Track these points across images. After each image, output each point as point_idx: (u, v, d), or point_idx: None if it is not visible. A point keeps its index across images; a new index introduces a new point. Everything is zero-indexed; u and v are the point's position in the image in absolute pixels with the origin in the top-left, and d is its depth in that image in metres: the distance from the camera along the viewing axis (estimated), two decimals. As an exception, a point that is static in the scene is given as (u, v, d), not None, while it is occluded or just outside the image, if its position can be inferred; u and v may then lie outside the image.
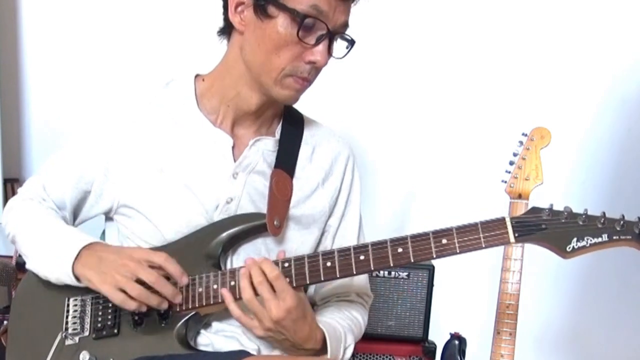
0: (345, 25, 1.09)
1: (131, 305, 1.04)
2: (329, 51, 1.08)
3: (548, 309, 2.26)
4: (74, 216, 1.24)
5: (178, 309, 1.09)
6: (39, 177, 1.23)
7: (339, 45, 1.12)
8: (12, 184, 2.23)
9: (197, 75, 1.22)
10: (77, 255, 1.08)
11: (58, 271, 1.11)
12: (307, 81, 1.10)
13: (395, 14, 2.15)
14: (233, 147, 1.17)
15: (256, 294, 1.04)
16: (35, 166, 2.28)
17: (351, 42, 1.12)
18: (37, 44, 2.21)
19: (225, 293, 1.07)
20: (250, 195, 1.17)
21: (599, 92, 2.14)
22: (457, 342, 1.87)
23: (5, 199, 2.18)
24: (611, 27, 2.10)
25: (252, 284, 1.04)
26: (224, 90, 1.16)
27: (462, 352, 1.87)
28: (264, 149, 1.19)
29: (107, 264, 1.05)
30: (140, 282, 1.04)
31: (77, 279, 1.09)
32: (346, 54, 1.11)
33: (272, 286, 1.03)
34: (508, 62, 2.14)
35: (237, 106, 1.16)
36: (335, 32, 1.07)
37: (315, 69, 1.09)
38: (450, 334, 1.90)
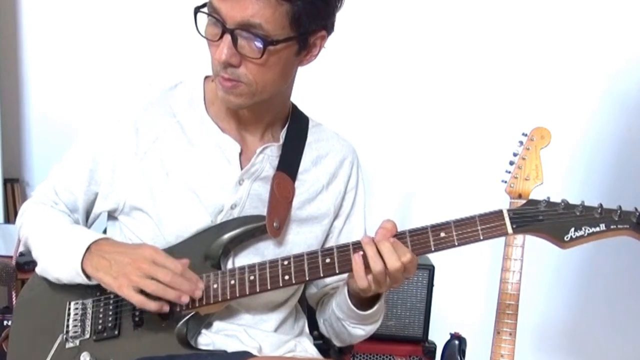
0: (247, 24, 0.99)
1: (151, 306, 1.04)
2: (236, 47, 1.01)
3: (548, 309, 2.27)
4: (86, 217, 1.24)
5: (179, 309, 1.09)
6: (50, 180, 1.23)
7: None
8: (12, 184, 2.23)
9: (207, 77, 1.20)
10: (85, 252, 1.08)
11: (68, 270, 1.11)
12: (229, 81, 1.04)
13: (394, 14, 2.15)
14: (240, 154, 1.16)
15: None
16: (36, 166, 2.28)
17: (261, 42, 1.00)
18: (38, 43, 2.21)
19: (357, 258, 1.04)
20: (254, 201, 1.17)
21: (599, 92, 2.14)
22: (457, 342, 1.87)
23: (6, 199, 2.19)
24: (610, 27, 2.10)
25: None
26: None
27: (462, 352, 1.88)
28: (270, 155, 1.19)
29: (120, 267, 1.05)
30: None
31: (88, 277, 1.10)
32: (262, 54, 1.01)
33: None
34: (508, 62, 2.14)
35: (234, 112, 1.16)
36: (238, 28, 1.00)
37: (231, 66, 1.02)
38: (450, 334, 1.90)
